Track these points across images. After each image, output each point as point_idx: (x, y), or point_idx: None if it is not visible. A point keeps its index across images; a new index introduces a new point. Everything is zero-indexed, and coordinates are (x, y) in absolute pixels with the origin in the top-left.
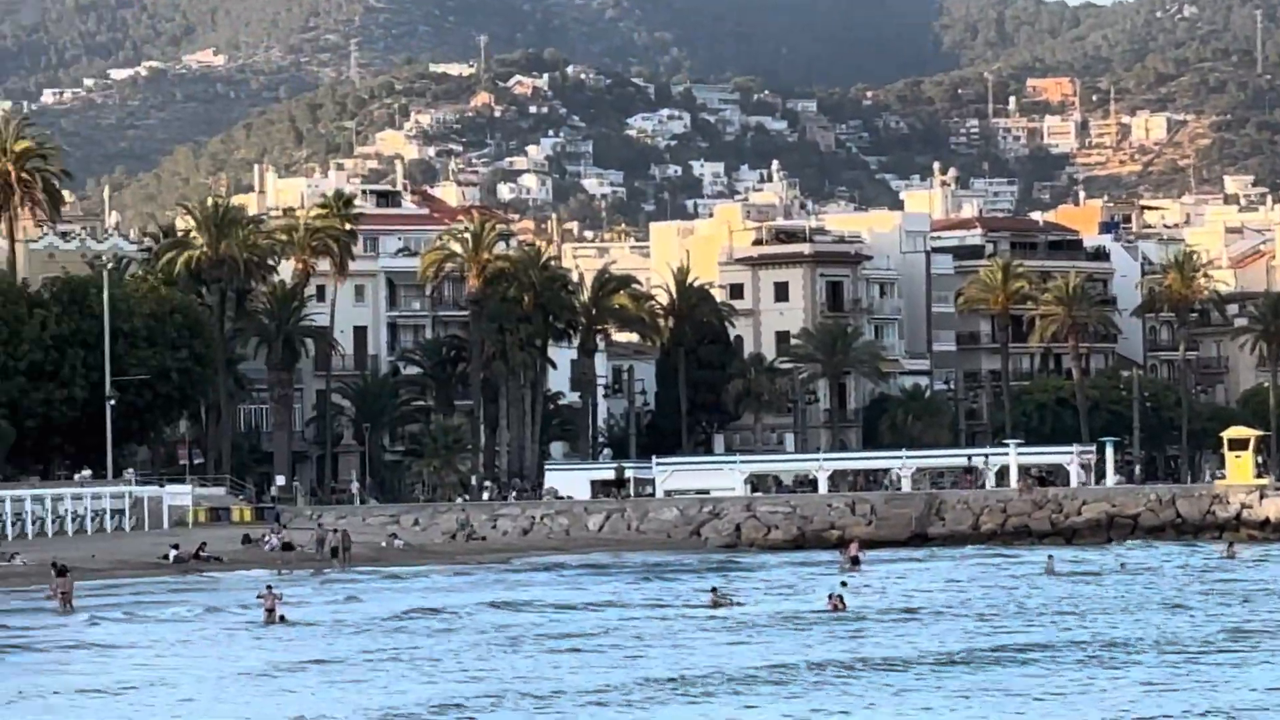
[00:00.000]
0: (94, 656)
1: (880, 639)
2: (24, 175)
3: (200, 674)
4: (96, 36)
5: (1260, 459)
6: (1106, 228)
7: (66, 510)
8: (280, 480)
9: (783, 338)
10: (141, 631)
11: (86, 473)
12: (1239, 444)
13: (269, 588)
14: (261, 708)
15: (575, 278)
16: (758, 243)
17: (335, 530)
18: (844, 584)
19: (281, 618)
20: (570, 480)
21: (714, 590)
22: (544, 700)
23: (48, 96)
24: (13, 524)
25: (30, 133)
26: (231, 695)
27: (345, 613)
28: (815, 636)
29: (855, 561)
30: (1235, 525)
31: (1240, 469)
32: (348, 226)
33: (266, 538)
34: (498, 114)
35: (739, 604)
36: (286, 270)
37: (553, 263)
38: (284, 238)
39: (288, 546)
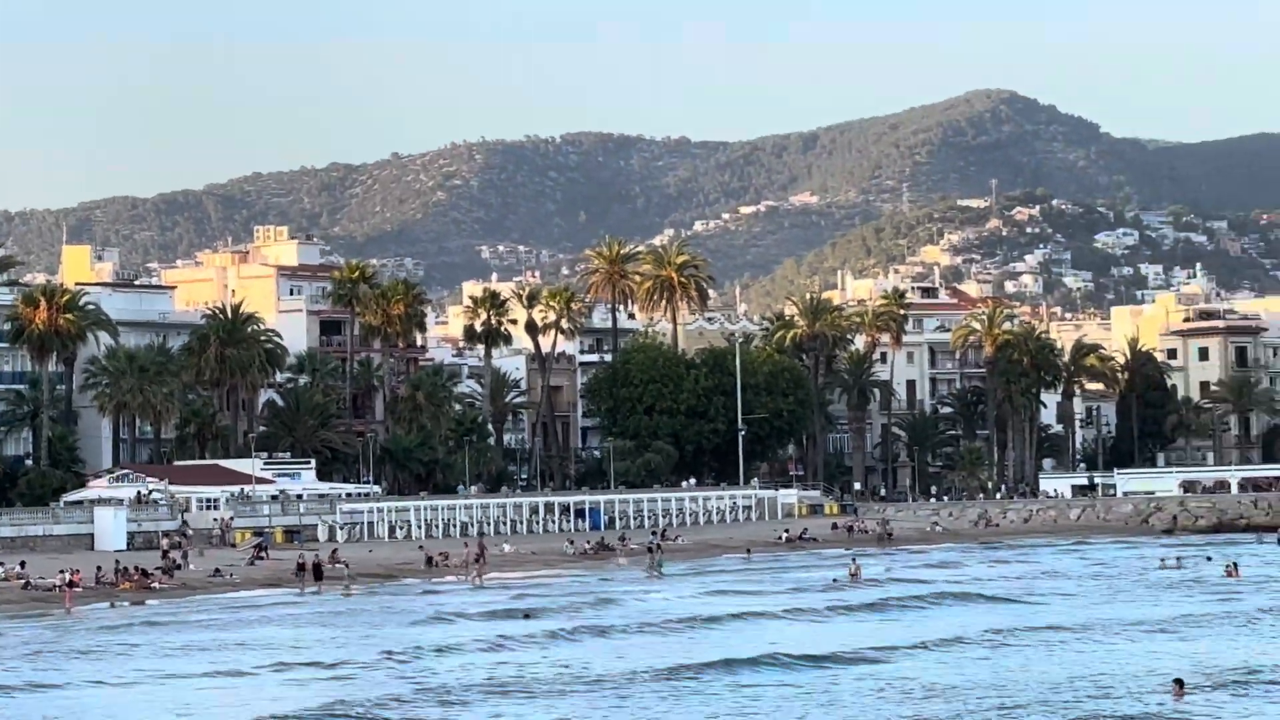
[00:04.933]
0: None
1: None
2: (681, 279)
3: None
4: (730, 185)
5: None
6: None
7: (712, 506)
8: (857, 486)
9: (1204, 386)
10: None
11: (691, 481)
12: None
13: (854, 559)
14: None
15: (1059, 346)
16: (1186, 320)
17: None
18: (1234, 563)
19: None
20: (1057, 484)
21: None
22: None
23: (698, 225)
24: (676, 515)
25: (687, 251)
26: None
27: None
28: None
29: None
30: None
31: None
32: (901, 311)
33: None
34: (1004, 233)
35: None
36: (860, 341)
37: (1043, 336)
38: (858, 319)
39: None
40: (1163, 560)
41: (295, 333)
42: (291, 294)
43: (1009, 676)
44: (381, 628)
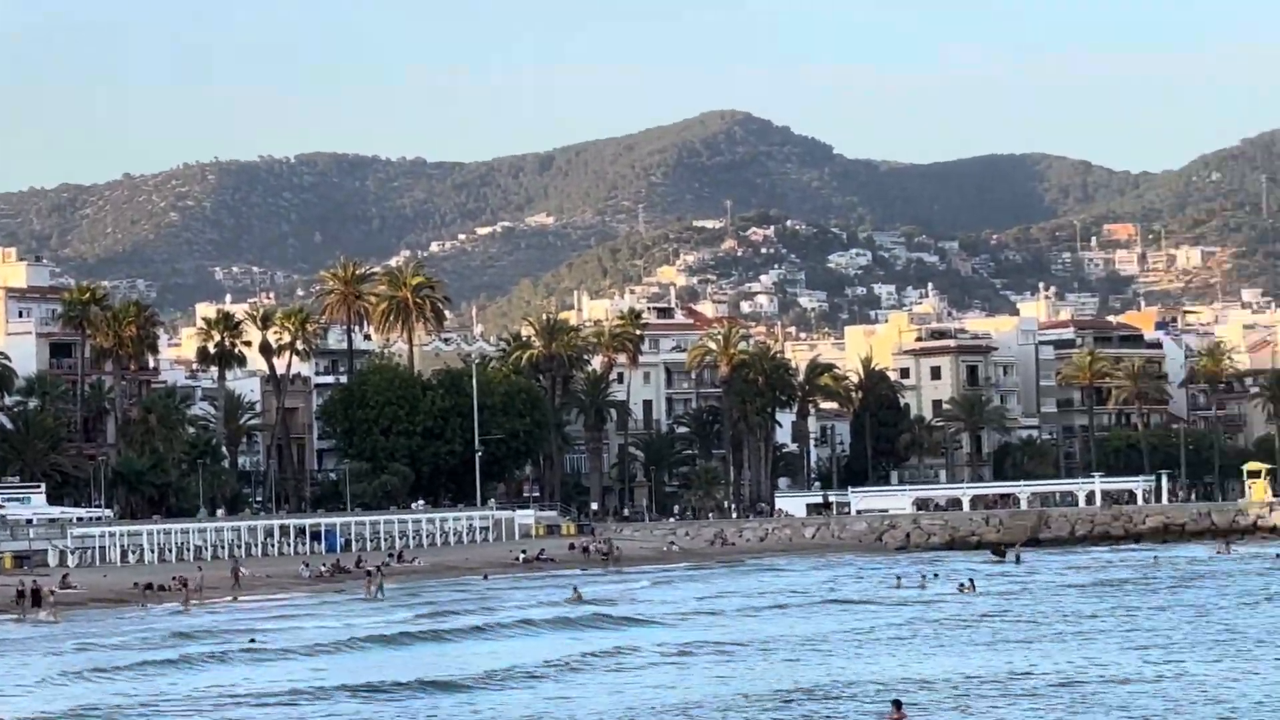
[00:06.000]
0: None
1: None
2: (417, 300)
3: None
4: (467, 205)
5: (1269, 484)
6: (1160, 326)
7: (449, 528)
8: (594, 506)
9: (937, 404)
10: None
11: (420, 503)
12: (1255, 474)
13: (575, 587)
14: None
15: (794, 366)
16: (919, 339)
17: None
18: (971, 579)
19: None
20: (792, 503)
21: (898, 577)
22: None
23: (434, 247)
24: (413, 537)
25: (423, 272)
26: None
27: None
28: (945, 609)
29: (1018, 559)
30: (1254, 530)
31: (1257, 491)
32: (638, 332)
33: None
34: (739, 254)
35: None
36: (597, 362)
37: (778, 355)
38: (594, 340)
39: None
40: (899, 578)
41: (24, 355)
42: (20, 316)
43: (714, 692)
44: (71, 653)
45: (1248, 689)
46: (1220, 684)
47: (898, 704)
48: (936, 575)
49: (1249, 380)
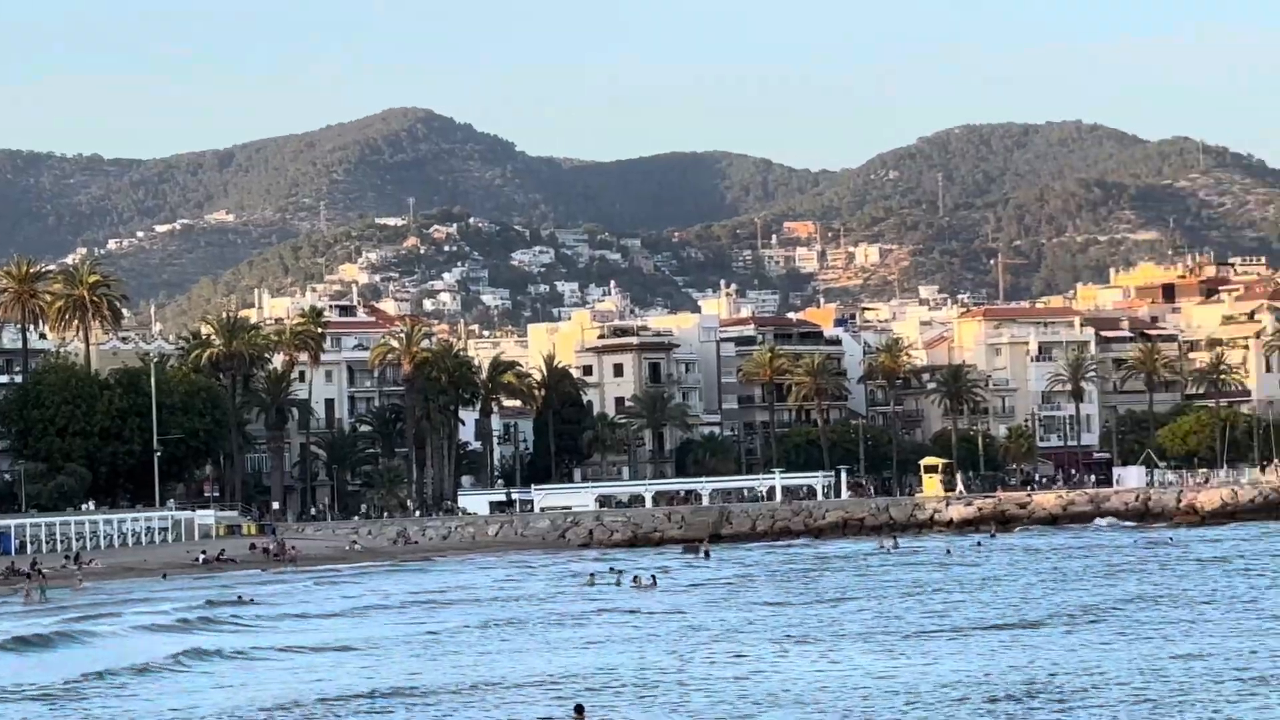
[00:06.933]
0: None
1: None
2: (94, 299)
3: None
4: (145, 203)
5: (945, 479)
6: (839, 323)
7: (128, 529)
8: (276, 505)
9: (619, 402)
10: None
11: (90, 505)
12: (931, 469)
13: (240, 595)
14: None
15: (477, 363)
16: (601, 337)
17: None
18: (654, 575)
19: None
20: (475, 501)
21: (592, 575)
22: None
23: (112, 244)
24: (91, 538)
25: (99, 270)
26: None
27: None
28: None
29: (706, 554)
30: (930, 524)
31: (932, 486)
32: (319, 330)
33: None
34: (422, 251)
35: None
36: (278, 361)
37: (461, 353)
38: (276, 338)
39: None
40: (592, 575)
41: None
42: None
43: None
44: None
45: (915, 677)
46: (884, 673)
47: (579, 709)
48: (623, 571)
49: (926, 376)
